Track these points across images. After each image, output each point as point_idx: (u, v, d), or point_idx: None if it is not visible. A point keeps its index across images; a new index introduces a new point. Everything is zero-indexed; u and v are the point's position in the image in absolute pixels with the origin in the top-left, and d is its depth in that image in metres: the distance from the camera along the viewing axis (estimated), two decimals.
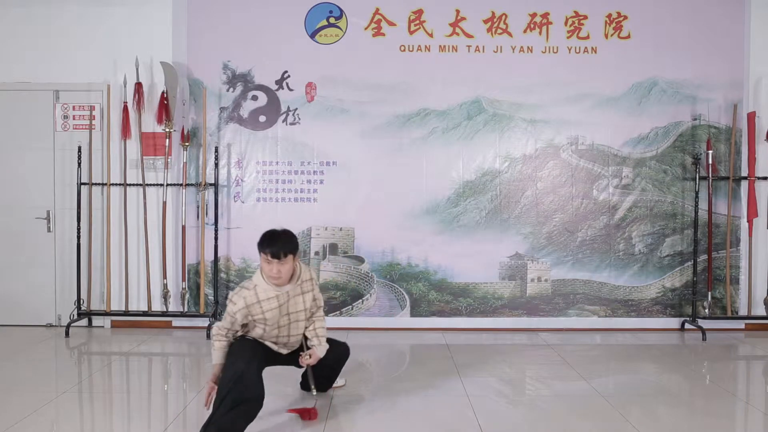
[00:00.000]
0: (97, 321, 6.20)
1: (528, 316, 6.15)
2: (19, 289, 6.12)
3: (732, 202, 6.04)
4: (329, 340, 3.88)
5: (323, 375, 3.96)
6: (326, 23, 6.09)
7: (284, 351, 3.78)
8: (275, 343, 3.70)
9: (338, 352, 3.98)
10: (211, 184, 6.03)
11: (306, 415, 3.64)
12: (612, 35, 6.10)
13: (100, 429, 3.72)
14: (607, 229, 6.13)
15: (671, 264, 6.13)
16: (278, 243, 3.42)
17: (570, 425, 3.68)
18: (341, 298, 6.11)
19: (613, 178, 6.11)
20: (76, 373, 4.86)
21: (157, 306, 6.07)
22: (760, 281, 6.05)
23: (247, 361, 3.35)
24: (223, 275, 6.09)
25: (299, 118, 6.11)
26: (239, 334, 3.62)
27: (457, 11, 6.08)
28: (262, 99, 6.12)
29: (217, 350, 3.53)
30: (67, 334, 5.83)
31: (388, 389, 4.37)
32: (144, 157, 6.06)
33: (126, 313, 6.04)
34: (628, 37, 6.09)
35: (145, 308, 6.07)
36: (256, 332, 3.63)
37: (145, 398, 4.26)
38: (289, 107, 6.10)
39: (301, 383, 4.15)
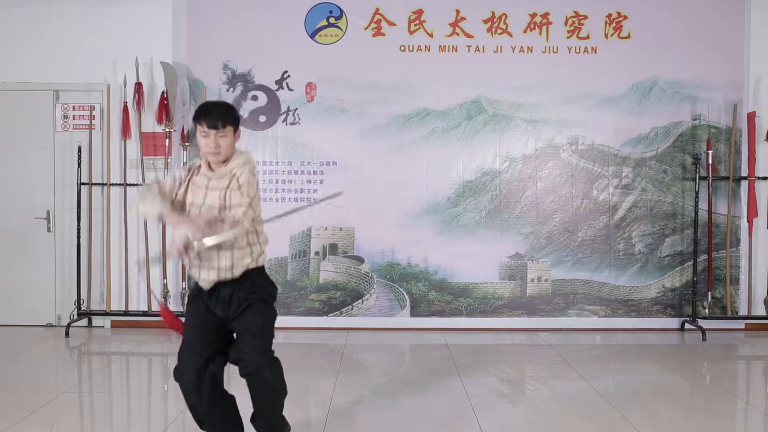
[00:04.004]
0: (97, 321, 6.20)
1: (528, 316, 6.14)
2: (19, 289, 6.12)
3: (732, 202, 6.03)
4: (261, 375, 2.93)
5: (262, 420, 3.11)
6: (326, 23, 6.09)
7: (201, 278, 2.96)
8: (196, 254, 2.92)
9: (265, 387, 2.97)
10: None
11: (174, 324, 3.14)
12: (612, 35, 6.09)
13: (99, 429, 3.73)
14: (607, 229, 6.13)
15: (671, 264, 6.13)
16: (215, 111, 2.92)
17: (570, 425, 3.68)
18: (341, 298, 6.11)
19: (613, 178, 6.11)
20: (76, 374, 4.87)
21: (157, 306, 6.07)
22: (760, 281, 6.05)
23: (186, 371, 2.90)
24: None
25: (299, 118, 6.11)
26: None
27: (457, 11, 6.08)
28: (262, 99, 6.11)
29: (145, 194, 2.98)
30: (67, 334, 5.83)
31: (388, 389, 4.38)
32: (144, 157, 6.06)
33: (126, 313, 6.04)
34: (628, 37, 6.09)
35: (145, 308, 6.07)
36: None
37: (145, 398, 4.26)
38: (289, 107, 6.10)
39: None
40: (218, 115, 2.90)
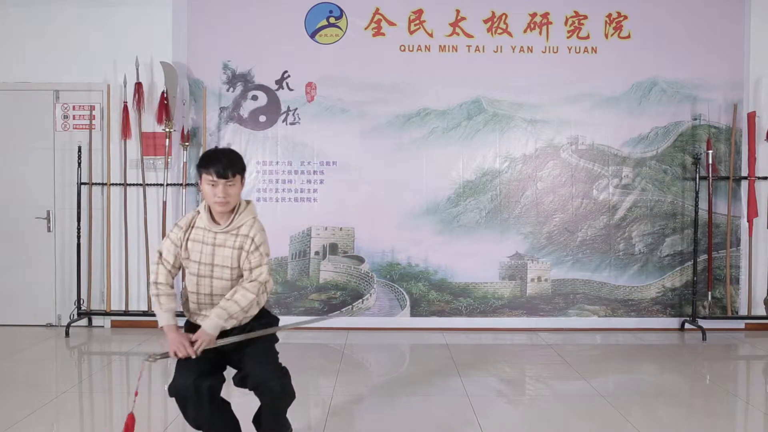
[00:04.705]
0: (97, 321, 6.20)
1: (528, 316, 6.15)
2: (19, 289, 6.12)
3: (732, 201, 6.03)
4: (271, 380, 2.89)
5: (266, 423, 3.05)
6: (326, 23, 6.09)
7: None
8: (198, 307, 2.97)
9: (273, 395, 2.91)
10: None
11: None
12: (612, 35, 6.09)
13: (99, 429, 3.73)
14: (607, 228, 6.13)
15: (671, 264, 6.13)
16: (224, 159, 2.83)
17: (570, 425, 3.68)
18: (341, 298, 6.11)
19: (613, 177, 6.11)
20: (76, 373, 4.87)
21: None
22: (760, 281, 6.05)
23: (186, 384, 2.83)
24: None
25: (299, 118, 6.11)
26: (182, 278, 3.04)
27: (457, 11, 6.08)
28: (262, 99, 6.12)
29: (160, 306, 2.90)
30: (67, 333, 5.83)
31: (388, 389, 4.38)
32: (144, 157, 6.06)
33: (126, 312, 6.04)
34: (628, 37, 6.09)
35: (145, 308, 6.07)
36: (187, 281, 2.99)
37: (146, 398, 4.26)
38: (289, 107, 6.10)
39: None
40: (227, 163, 2.83)
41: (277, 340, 3.09)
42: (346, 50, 6.08)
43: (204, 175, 2.84)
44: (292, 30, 6.08)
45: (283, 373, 2.95)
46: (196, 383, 2.79)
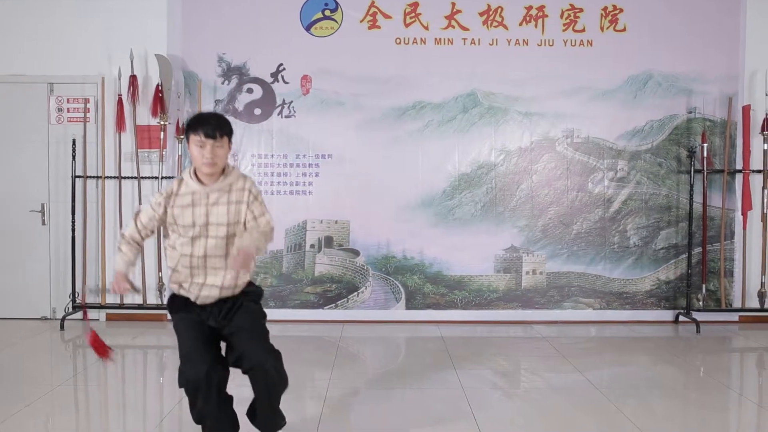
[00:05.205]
0: (92, 314, 6.19)
1: (523, 308, 6.16)
2: (14, 282, 6.10)
3: (726, 195, 6.04)
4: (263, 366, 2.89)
5: (261, 413, 3.06)
6: (321, 16, 6.07)
7: (201, 296, 2.94)
8: (190, 272, 2.93)
9: (267, 379, 2.90)
10: None
11: (102, 352, 3.12)
12: (608, 28, 6.09)
13: (95, 422, 3.73)
14: (602, 222, 6.14)
15: (666, 257, 6.14)
16: (212, 121, 2.86)
17: (565, 417, 3.69)
18: (336, 290, 6.11)
19: (609, 171, 6.12)
20: (71, 366, 4.86)
21: (153, 299, 6.07)
22: (754, 274, 6.07)
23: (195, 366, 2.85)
24: None
25: (294, 111, 6.09)
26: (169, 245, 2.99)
27: (453, 4, 6.07)
28: (258, 92, 6.10)
29: (119, 254, 2.97)
30: (62, 327, 5.82)
31: (384, 382, 4.39)
32: (139, 150, 6.04)
33: (121, 306, 6.04)
34: (624, 30, 6.09)
35: (140, 301, 6.06)
36: (174, 242, 2.96)
37: (141, 391, 4.26)
38: (284, 100, 6.09)
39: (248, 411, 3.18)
40: (216, 124, 2.85)
41: (265, 316, 3.08)
42: (341, 43, 6.06)
43: (192, 137, 2.85)
44: (288, 23, 6.06)
45: (277, 356, 2.95)
46: (208, 374, 2.82)
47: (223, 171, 2.94)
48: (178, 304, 3.00)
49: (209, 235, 2.89)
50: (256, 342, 2.92)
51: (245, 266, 2.80)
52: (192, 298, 2.94)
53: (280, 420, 3.14)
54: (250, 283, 3.07)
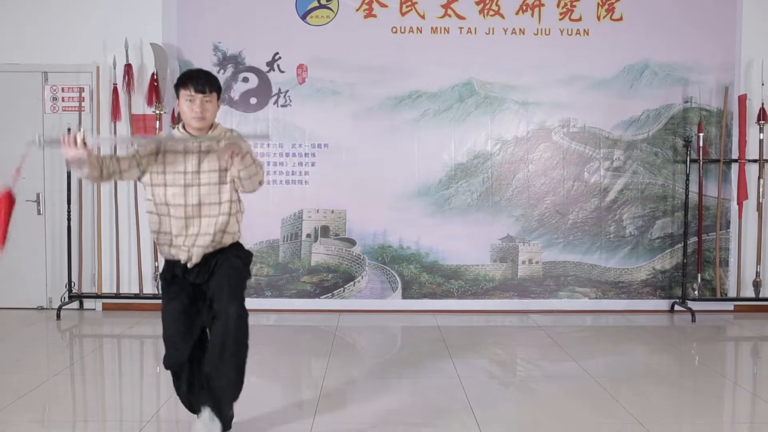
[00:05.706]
0: (88, 304, 6.18)
1: (519, 298, 6.17)
2: (10, 272, 6.08)
3: (722, 184, 6.05)
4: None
5: (209, 371, 2.97)
6: (317, 4, 6.04)
7: (194, 251, 2.95)
8: (185, 223, 2.95)
9: (228, 326, 2.87)
10: None
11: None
12: (604, 17, 6.07)
13: (92, 411, 3.73)
14: (598, 211, 6.14)
15: (661, 246, 6.16)
16: (202, 76, 2.92)
17: (561, 406, 3.71)
18: (333, 280, 6.11)
19: (605, 160, 6.12)
20: (67, 356, 4.87)
21: (149, 288, 6.06)
22: (749, 263, 6.09)
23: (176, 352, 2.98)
24: None
25: (290, 100, 6.07)
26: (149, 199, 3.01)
27: None
28: (253, 81, 6.08)
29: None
30: (58, 316, 5.81)
31: (380, 371, 4.40)
32: (134, 139, 6.02)
33: (117, 295, 6.03)
34: (621, 19, 6.07)
35: (136, 291, 6.05)
36: (161, 198, 2.97)
37: (137, 381, 4.27)
38: (280, 89, 6.07)
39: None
40: (205, 79, 2.91)
41: (247, 277, 3.09)
42: (337, 32, 6.04)
43: (182, 92, 2.91)
44: (283, 11, 6.03)
45: (244, 312, 2.91)
46: (191, 357, 2.98)
47: (211, 126, 2.99)
48: (166, 274, 3.05)
49: (201, 183, 2.94)
50: (228, 291, 2.92)
51: (238, 150, 2.80)
52: (183, 259, 2.95)
53: (230, 411, 3.06)
54: (240, 246, 3.11)
